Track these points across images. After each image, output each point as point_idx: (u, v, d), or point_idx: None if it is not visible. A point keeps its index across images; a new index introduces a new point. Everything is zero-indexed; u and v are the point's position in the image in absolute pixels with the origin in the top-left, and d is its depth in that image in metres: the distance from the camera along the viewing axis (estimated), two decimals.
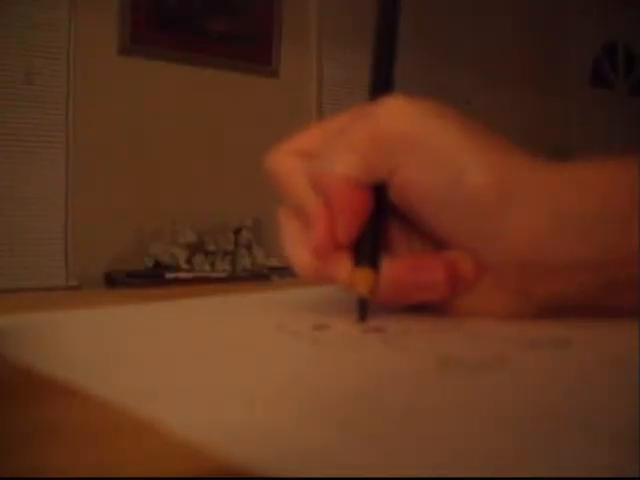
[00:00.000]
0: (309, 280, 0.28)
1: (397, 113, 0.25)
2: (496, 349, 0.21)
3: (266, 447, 0.12)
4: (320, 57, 2.81)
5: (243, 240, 2.35)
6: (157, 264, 2.22)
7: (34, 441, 0.13)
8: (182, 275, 2.13)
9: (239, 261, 2.32)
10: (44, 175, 2.16)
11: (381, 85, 0.28)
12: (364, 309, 0.26)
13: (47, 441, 0.13)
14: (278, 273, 2.20)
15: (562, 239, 0.24)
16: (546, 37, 3.33)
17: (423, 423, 0.13)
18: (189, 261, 2.24)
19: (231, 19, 2.48)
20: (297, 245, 0.28)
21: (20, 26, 2.11)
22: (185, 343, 0.23)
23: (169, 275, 2.11)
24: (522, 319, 0.25)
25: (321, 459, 0.12)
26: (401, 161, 0.25)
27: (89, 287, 2.17)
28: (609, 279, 0.24)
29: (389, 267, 0.26)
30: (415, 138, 0.25)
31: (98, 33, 2.23)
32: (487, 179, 0.24)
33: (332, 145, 0.26)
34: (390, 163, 0.25)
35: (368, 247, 0.26)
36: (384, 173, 0.25)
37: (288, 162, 0.28)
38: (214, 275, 2.19)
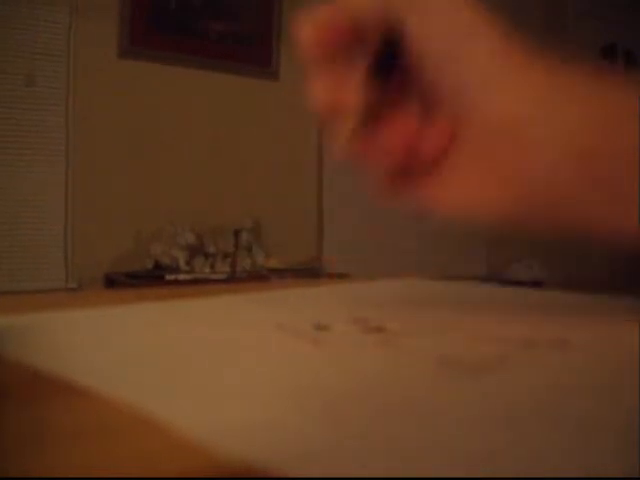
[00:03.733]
0: (322, 113, 0.28)
1: None
2: (496, 349, 0.21)
3: (266, 447, 0.12)
4: None
5: (243, 242, 2.35)
6: (157, 265, 2.22)
7: (34, 441, 0.13)
8: (182, 276, 2.13)
9: (239, 263, 2.31)
10: (44, 176, 2.16)
11: None
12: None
13: (47, 441, 0.13)
14: (278, 275, 2.19)
15: (541, 127, 0.25)
16: (546, 38, 3.33)
17: (423, 423, 0.13)
18: (189, 262, 2.24)
19: (231, 21, 2.48)
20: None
21: (21, 28, 2.11)
22: (185, 343, 0.23)
23: (169, 276, 2.11)
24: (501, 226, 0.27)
25: (321, 458, 0.12)
26: (418, 6, 0.27)
27: (89, 288, 2.17)
28: (587, 171, 0.24)
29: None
30: None
31: (98, 36, 2.23)
32: (491, 45, 0.27)
33: None
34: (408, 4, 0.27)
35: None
36: (396, 13, 0.26)
37: None
38: (214, 277, 2.18)
